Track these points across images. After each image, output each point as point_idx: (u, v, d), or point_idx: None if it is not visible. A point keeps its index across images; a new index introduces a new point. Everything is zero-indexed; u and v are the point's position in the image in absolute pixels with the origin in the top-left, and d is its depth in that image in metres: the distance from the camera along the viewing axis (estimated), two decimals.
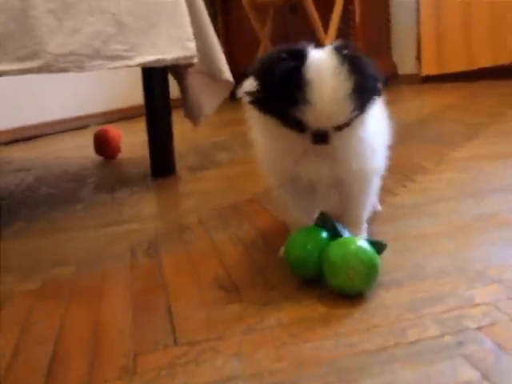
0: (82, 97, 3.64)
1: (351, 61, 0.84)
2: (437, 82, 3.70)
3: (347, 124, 0.86)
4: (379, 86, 0.90)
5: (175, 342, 0.78)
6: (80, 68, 1.50)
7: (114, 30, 1.58)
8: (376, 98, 0.89)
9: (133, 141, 2.72)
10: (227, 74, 1.91)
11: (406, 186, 1.40)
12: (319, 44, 0.91)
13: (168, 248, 1.17)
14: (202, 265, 1.05)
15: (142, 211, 1.50)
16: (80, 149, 2.76)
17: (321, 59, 0.85)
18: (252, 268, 1.01)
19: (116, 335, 0.82)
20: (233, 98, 4.59)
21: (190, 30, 1.77)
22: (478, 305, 0.78)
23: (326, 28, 3.47)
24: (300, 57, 0.84)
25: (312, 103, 0.82)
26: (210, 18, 1.94)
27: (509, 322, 0.73)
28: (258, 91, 0.86)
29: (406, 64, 4.05)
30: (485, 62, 3.62)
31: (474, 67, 3.66)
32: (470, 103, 2.86)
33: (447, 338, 0.71)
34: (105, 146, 2.37)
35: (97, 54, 1.54)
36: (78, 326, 0.87)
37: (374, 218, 1.15)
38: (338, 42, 0.88)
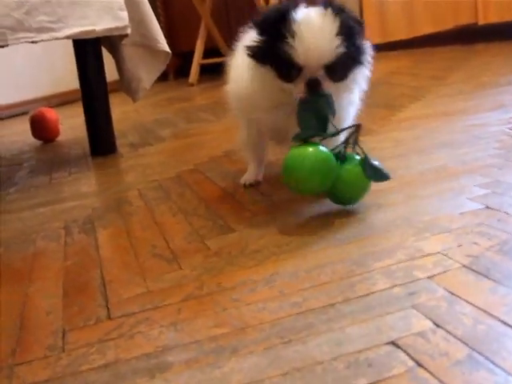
0: (20, 82, 3.49)
1: (336, 8, 0.93)
2: (382, 51, 3.68)
3: (335, 65, 0.92)
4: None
5: (108, 316, 0.72)
6: (2, 41, 1.41)
7: (38, 0, 1.49)
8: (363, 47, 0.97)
9: (73, 123, 2.61)
10: (164, 44, 1.83)
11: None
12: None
13: (105, 223, 1.11)
14: (140, 236, 0.99)
15: (80, 189, 1.42)
16: (18, 134, 2.63)
17: (309, 8, 0.95)
18: (192, 236, 0.95)
19: (44, 315, 0.75)
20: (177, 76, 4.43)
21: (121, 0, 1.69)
22: (427, 255, 0.74)
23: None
24: (291, 4, 0.94)
25: (300, 37, 0.89)
26: None
27: (460, 268, 0.69)
28: (256, 41, 0.95)
29: None
30: (426, 29, 3.62)
31: (417, 34, 3.65)
32: (414, 68, 2.85)
33: (397, 290, 0.66)
34: (42, 128, 2.26)
35: (20, 26, 1.44)
36: (2, 309, 0.80)
37: None
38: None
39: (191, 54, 3.65)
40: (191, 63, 3.62)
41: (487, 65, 2.62)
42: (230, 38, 1.15)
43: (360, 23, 0.96)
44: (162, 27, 4.32)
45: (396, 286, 0.67)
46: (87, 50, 1.77)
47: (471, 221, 0.83)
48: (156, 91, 3.07)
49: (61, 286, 0.83)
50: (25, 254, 0.99)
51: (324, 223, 0.91)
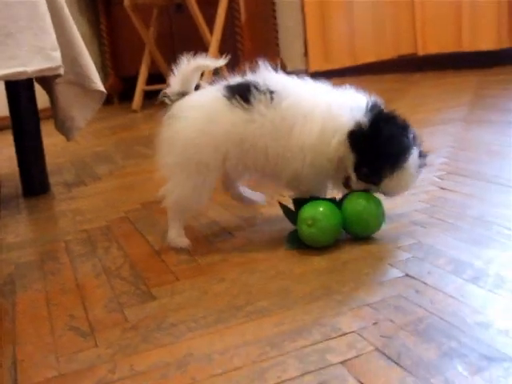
0: None
1: None
2: (324, 78, 3.73)
3: None
4: None
5: None
6: None
7: None
8: None
9: (10, 153, 2.54)
10: (98, 84, 1.80)
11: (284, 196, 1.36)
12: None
13: (26, 283, 1.07)
14: (59, 303, 0.96)
15: (6, 239, 1.38)
16: None
17: None
18: (112, 303, 0.92)
19: None
20: (121, 101, 4.33)
21: (54, 39, 1.65)
22: (343, 334, 0.74)
23: (212, 27, 3.40)
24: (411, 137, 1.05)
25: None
26: (92, 21, 1.82)
27: (372, 352, 0.69)
28: (368, 138, 0.99)
29: (294, 61, 4.06)
30: (368, 57, 3.69)
31: (359, 63, 3.72)
32: None
33: (308, 379, 0.66)
34: None
35: None
36: None
37: (250, 239, 1.11)
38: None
39: (136, 78, 3.62)
40: (136, 87, 3.60)
41: (423, 98, 2.68)
42: (175, 64, 1.13)
43: None
44: (106, 51, 4.27)
45: (307, 373, 0.67)
46: (19, 84, 1.72)
47: (389, 292, 0.84)
48: (100, 117, 3.01)
49: None
50: None
51: (244, 291, 0.90)
